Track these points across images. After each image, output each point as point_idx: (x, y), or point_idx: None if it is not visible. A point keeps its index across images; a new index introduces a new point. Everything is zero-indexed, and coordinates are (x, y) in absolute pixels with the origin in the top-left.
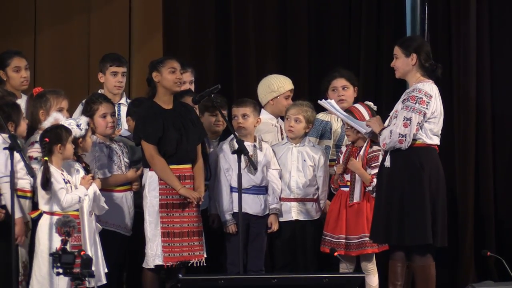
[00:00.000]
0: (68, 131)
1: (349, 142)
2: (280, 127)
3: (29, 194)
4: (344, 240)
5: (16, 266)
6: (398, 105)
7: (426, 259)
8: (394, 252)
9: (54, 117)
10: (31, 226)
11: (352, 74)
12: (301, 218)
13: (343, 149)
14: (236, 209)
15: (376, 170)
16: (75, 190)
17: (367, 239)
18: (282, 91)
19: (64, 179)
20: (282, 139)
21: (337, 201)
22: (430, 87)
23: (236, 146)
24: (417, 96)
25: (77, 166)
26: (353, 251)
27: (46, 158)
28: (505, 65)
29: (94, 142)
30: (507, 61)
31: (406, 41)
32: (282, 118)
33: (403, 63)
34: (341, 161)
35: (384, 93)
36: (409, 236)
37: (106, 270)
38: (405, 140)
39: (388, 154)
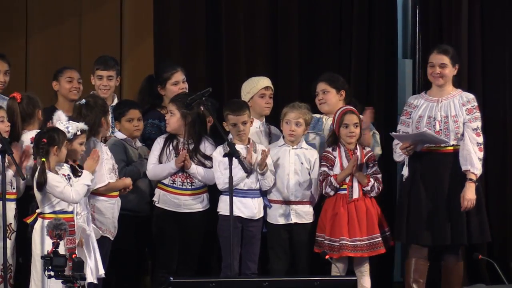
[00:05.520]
0: (64, 134)
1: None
2: (269, 131)
3: (13, 196)
4: (347, 241)
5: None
6: (458, 112)
7: (459, 258)
8: (419, 250)
9: (58, 115)
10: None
11: (338, 78)
12: (298, 221)
13: (336, 151)
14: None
15: (374, 169)
16: (79, 179)
17: (379, 239)
18: (254, 91)
19: (64, 175)
20: (269, 142)
21: (334, 203)
22: None
23: (228, 149)
24: (478, 106)
25: (65, 167)
26: (364, 252)
27: (43, 159)
28: (497, 68)
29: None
30: (498, 64)
31: (452, 51)
32: (270, 122)
33: (451, 72)
34: (338, 163)
35: (375, 96)
36: (477, 235)
37: (102, 274)
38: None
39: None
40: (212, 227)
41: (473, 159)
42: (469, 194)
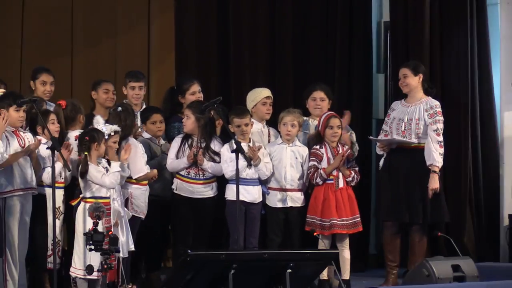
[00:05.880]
0: (102, 134)
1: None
2: (268, 132)
3: (61, 185)
4: (337, 221)
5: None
6: (420, 116)
7: (423, 234)
8: (390, 226)
9: (96, 119)
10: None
11: (330, 89)
12: (293, 205)
13: (322, 149)
14: (234, 198)
15: (352, 163)
16: (111, 169)
17: (359, 219)
18: (258, 99)
19: (104, 167)
20: (269, 141)
21: (323, 191)
22: None
23: (235, 146)
24: (441, 111)
25: (103, 161)
26: (349, 229)
27: (86, 153)
28: (452, 80)
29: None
30: (454, 77)
31: (414, 64)
32: (270, 124)
33: (413, 81)
34: (325, 158)
35: (354, 103)
36: (441, 214)
37: (132, 247)
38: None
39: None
40: (220, 212)
41: (434, 155)
42: (433, 184)
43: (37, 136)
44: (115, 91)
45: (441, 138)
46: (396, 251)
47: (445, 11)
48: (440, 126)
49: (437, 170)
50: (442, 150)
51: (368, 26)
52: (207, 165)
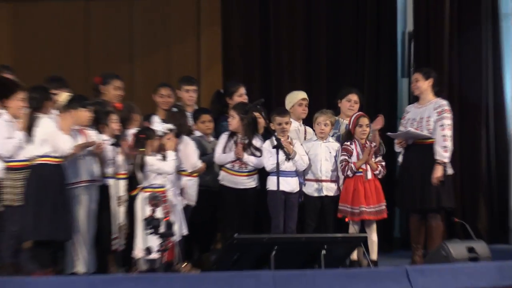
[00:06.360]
0: (154, 132)
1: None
2: (305, 130)
3: (124, 176)
4: (365, 208)
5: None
6: (430, 114)
7: (439, 219)
8: (414, 215)
9: (154, 118)
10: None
11: (362, 95)
12: (328, 194)
13: (353, 145)
14: (275, 188)
15: (379, 159)
16: (168, 157)
17: (384, 207)
18: (294, 101)
19: (159, 159)
20: (305, 138)
21: (353, 182)
22: None
23: (275, 142)
24: (449, 109)
25: (158, 155)
26: (376, 216)
27: (143, 149)
28: (470, 82)
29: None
30: (471, 80)
31: (425, 69)
32: (306, 123)
33: (423, 84)
34: (355, 153)
35: (381, 105)
36: (448, 200)
37: (185, 232)
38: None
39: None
40: (262, 201)
41: (438, 149)
42: (436, 174)
43: (101, 141)
44: (172, 95)
45: (445, 132)
46: (420, 236)
47: (463, 22)
48: (447, 122)
49: (440, 162)
50: (446, 143)
51: (393, 35)
52: (249, 159)
